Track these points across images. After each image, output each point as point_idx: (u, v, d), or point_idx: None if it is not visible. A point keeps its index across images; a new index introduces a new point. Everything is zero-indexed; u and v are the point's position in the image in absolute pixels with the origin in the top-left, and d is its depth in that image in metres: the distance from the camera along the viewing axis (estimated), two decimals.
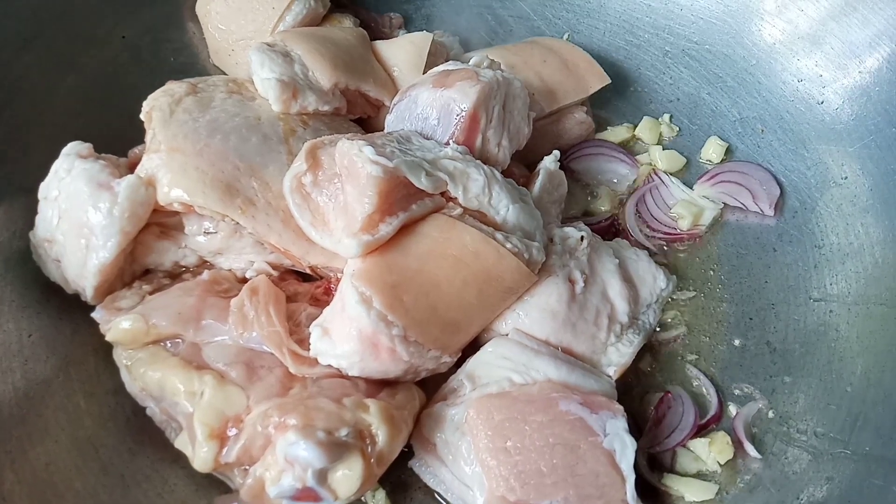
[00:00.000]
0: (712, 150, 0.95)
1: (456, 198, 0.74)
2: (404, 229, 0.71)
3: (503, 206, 0.76)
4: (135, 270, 0.81)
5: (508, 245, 0.72)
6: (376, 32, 1.07)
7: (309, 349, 0.70)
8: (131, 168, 0.82)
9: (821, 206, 0.86)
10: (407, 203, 0.71)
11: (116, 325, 0.74)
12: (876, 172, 0.83)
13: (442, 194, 0.74)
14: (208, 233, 0.78)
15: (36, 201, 0.78)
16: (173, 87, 0.80)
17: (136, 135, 0.88)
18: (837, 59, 0.88)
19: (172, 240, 0.80)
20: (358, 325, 0.66)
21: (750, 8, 0.95)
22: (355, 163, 0.69)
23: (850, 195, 0.84)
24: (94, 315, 0.76)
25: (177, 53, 1.00)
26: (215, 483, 0.74)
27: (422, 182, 0.71)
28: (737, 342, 0.82)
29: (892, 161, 0.82)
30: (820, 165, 0.87)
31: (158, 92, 0.80)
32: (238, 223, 0.75)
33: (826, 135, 0.88)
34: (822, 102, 0.89)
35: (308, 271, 0.80)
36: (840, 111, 0.87)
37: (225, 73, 0.98)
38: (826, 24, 0.89)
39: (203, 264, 0.82)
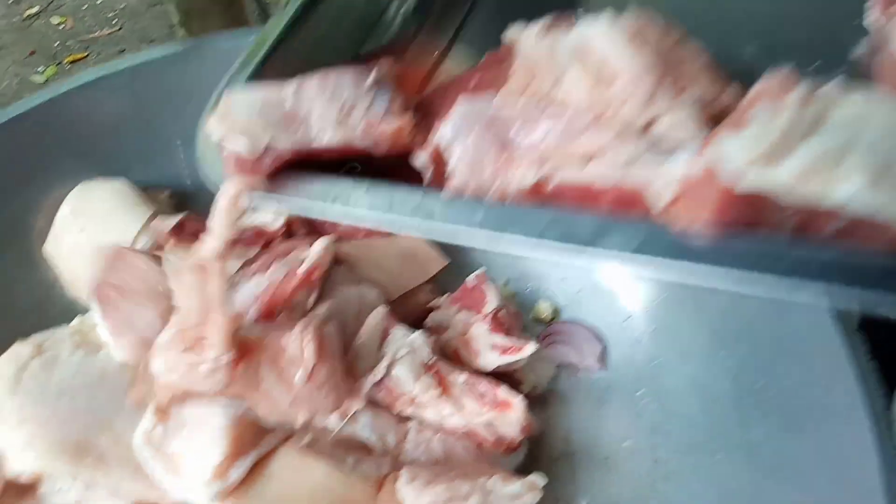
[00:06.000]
0: (541, 311, 1.05)
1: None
2: (256, 466, 0.76)
3: (361, 423, 0.82)
4: None
5: (359, 470, 0.78)
6: None
7: None
8: None
9: (637, 356, 0.96)
10: (257, 440, 0.76)
11: None
12: (675, 324, 0.94)
13: None
14: (63, 490, 0.80)
15: None
16: (19, 351, 0.83)
17: None
18: None
19: (29, 499, 0.82)
20: None
21: None
22: (204, 412, 0.75)
23: (659, 342, 0.95)
24: None
25: (31, 292, 1.04)
26: None
27: (270, 421, 0.77)
28: (582, 500, 0.89)
29: (685, 314, 0.93)
30: (632, 318, 0.98)
31: (3, 359, 0.83)
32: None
33: (631, 290, 0.99)
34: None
35: None
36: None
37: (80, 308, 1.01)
38: None
39: None
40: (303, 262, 0.86)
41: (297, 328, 0.75)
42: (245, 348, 0.72)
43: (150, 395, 0.76)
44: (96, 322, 0.87)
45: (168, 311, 0.81)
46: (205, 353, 0.69)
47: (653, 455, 0.88)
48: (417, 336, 0.86)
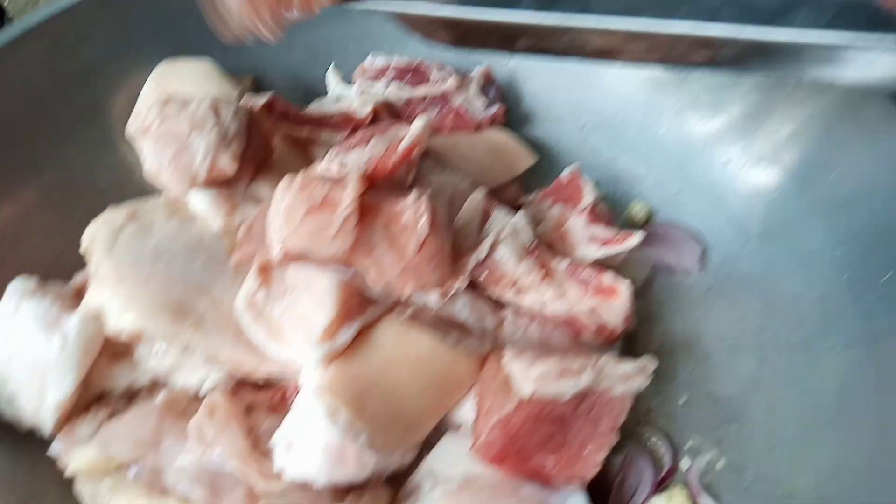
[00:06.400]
0: (635, 213, 1.01)
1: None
2: (360, 336, 0.74)
3: (460, 304, 0.80)
4: (89, 396, 0.81)
5: (462, 346, 0.75)
6: None
7: (273, 463, 0.71)
8: (77, 295, 0.83)
9: (742, 259, 0.92)
10: (361, 310, 0.74)
11: (76, 458, 0.74)
12: (786, 222, 0.90)
13: None
14: (160, 353, 0.79)
15: None
16: (112, 216, 0.81)
17: (77, 257, 0.90)
18: (738, 123, 0.95)
19: (124, 363, 0.80)
20: (325, 438, 0.68)
21: (655, 80, 1.02)
22: (312, 276, 0.72)
23: (766, 245, 0.90)
24: (51, 450, 0.76)
25: (111, 172, 1.02)
26: None
27: (375, 292, 0.75)
28: (682, 397, 0.86)
29: (797, 212, 0.89)
30: (736, 220, 0.94)
31: (97, 222, 0.81)
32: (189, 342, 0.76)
33: (737, 190, 0.95)
34: (727, 162, 0.96)
35: (261, 381, 0.80)
36: (746, 171, 0.94)
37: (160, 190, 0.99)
38: (725, 90, 0.97)
39: (157, 383, 0.83)
40: (402, 139, 0.83)
41: (412, 196, 0.72)
42: (362, 211, 0.69)
43: (255, 257, 0.74)
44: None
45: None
46: (334, 214, 0.66)
47: (759, 354, 0.85)
48: (520, 217, 0.83)
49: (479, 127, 1.06)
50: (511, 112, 1.10)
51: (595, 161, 1.07)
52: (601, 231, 0.88)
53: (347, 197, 0.66)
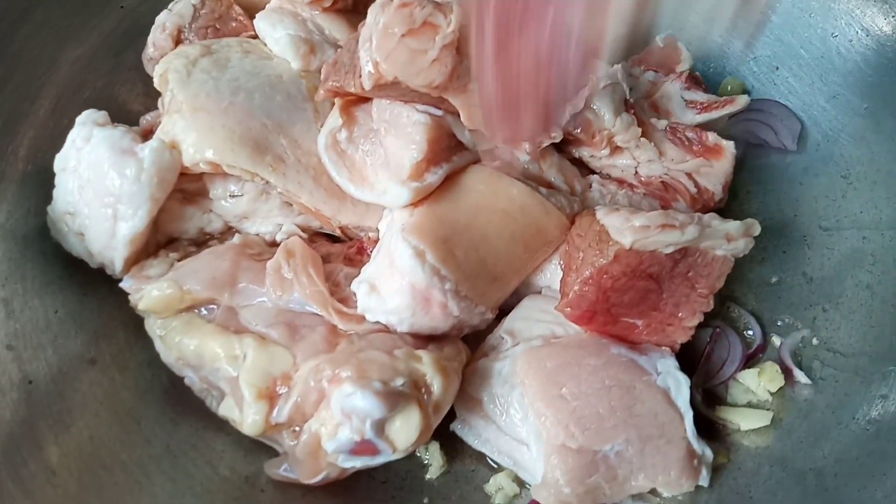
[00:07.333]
0: (728, 91, 0.95)
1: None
2: (448, 182, 0.70)
3: (548, 162, 0.76)
4: (158, 240, 0.79)
5: (553, 200, 0.71)
6: None
7: (351, 308, 0.69)
8: (145, 136, 0.79)
9: (843, 137, 0.86)
10: (449, 154, 0.70)
11: (148, 293, 0.72)
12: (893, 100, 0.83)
13: None
14: (234, 196, 0.76)
15: (48, 176, 0.76)
16: (186, 50, 0.77)
17: (141, 104, 0.87)
18: None
19: (196, 205, 0.78)
20: (411, 280, 0.65)
21: None
22: (401, 113, 0.68)
23: (873, 124, 0.84)
24: (122, 285, 0.74)
25: None
26: (263, 448, 0.72)
27: (465, 137, 0.70)
28: (774, 276, 0.82)
29: None
30: (839, 97, 0.88)
31: (171, 55, 0.77)
32: (266, 183, 0.73)
33: (843, 66, 0.88)
34: (835, 35, 0.89)
35: (337, 232, 0.78)
36: (855, 43, 0.87)
37: None
38: None
39: (228, 230, 0.80)
40: None
41: None
42: (460, 42, 0.63)
43: (342, 90, 0.68)
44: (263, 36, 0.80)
45: None
46: (434, 38, 0.60)
47: (860, 234, 0.80)
48: (619, 68, 0.77)
49: None
50: None
51: (685, 36, 0.99)
52: (700, 96, 0.82)
53: (452, 21, 0.61)
